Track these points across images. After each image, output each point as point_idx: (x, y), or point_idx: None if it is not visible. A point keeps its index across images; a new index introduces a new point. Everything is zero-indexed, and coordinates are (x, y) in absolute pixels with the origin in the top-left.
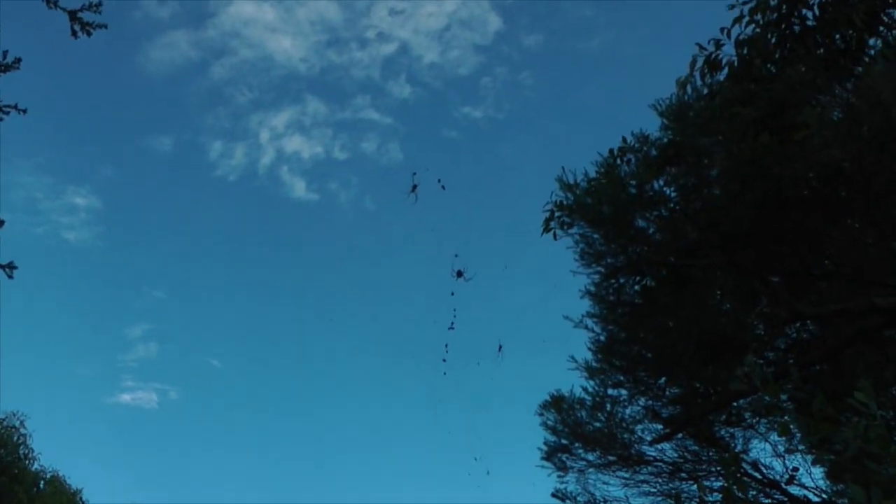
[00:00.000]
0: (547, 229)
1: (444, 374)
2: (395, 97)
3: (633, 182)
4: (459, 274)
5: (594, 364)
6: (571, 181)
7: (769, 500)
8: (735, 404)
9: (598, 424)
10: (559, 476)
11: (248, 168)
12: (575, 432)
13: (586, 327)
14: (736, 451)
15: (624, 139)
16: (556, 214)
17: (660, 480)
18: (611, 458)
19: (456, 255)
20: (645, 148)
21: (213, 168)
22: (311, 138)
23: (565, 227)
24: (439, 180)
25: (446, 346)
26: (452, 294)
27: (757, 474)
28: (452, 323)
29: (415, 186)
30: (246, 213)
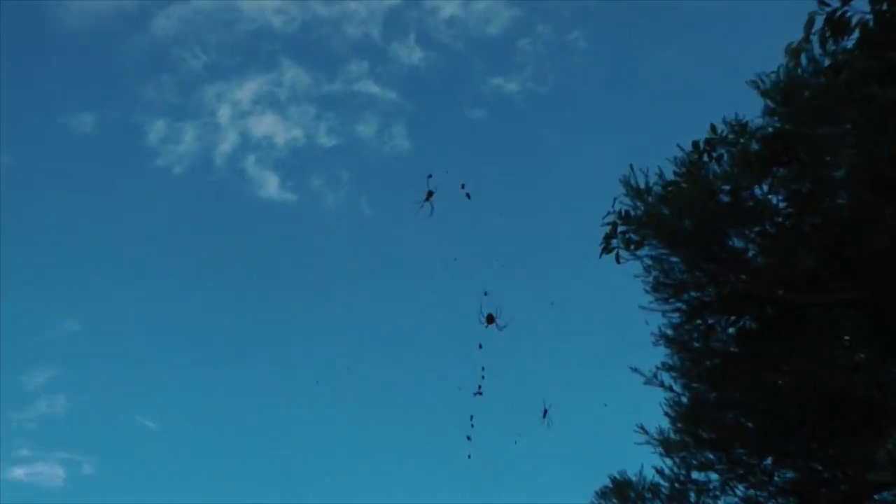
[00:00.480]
0: (608, 249)
1: (469, 456)
2: (401, 64)
3: (727, 187)
4: (490, 319)
5: (672, 436)
6: (641, 184)
7: None
8: (876, 497)
9: None
10: None
11: (200, 157)
12: None
13: (662, 384)
14: None
15: (713, 127)
16: (621, 229)
17: None
18: None
19: (485, 294)
20: (742, 140)
21: (153, 156)
22: (288, 118)
23: (633, 247)
24: (463, 186)
25: (471, 417)
26: (480, 347)
27: None
28: (480, 386)
29: (430, 194)
30: (196, 217)
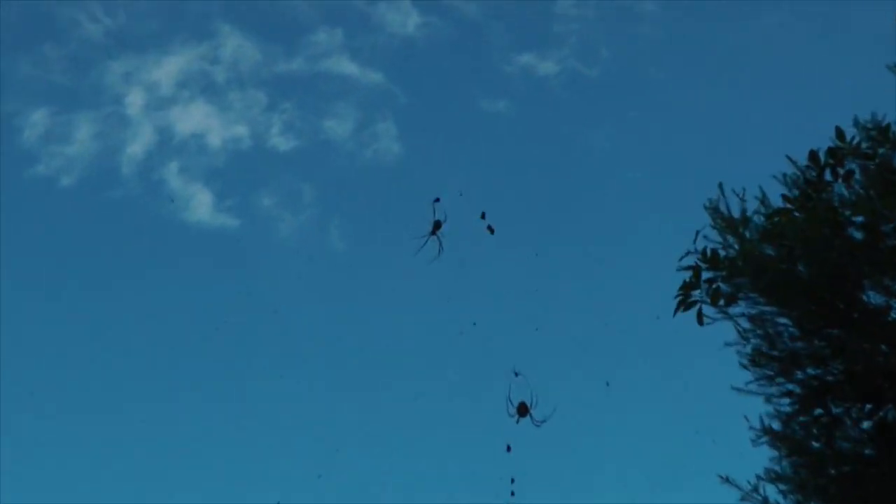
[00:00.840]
0: (686, 304)
1: None
2: (390, 34)
3: (860, 218)
4: (523, 411)
5: None
6: (735, 212)
7: None
8: None
9: None
10: None
11: (99, 163)
12: None
13: (766, 502)
14: None
15: (840, 132)
16: (706, 276)
17: None
18: None
19: (516, 375)
20: (883, 150)
21: (30, 160)
22: (227, 109)
23: (723, 303)
24: (483, 215)
25: None
26: (509, 450)
27: None
28: None
29: (437, 225)
30: (92, 249)
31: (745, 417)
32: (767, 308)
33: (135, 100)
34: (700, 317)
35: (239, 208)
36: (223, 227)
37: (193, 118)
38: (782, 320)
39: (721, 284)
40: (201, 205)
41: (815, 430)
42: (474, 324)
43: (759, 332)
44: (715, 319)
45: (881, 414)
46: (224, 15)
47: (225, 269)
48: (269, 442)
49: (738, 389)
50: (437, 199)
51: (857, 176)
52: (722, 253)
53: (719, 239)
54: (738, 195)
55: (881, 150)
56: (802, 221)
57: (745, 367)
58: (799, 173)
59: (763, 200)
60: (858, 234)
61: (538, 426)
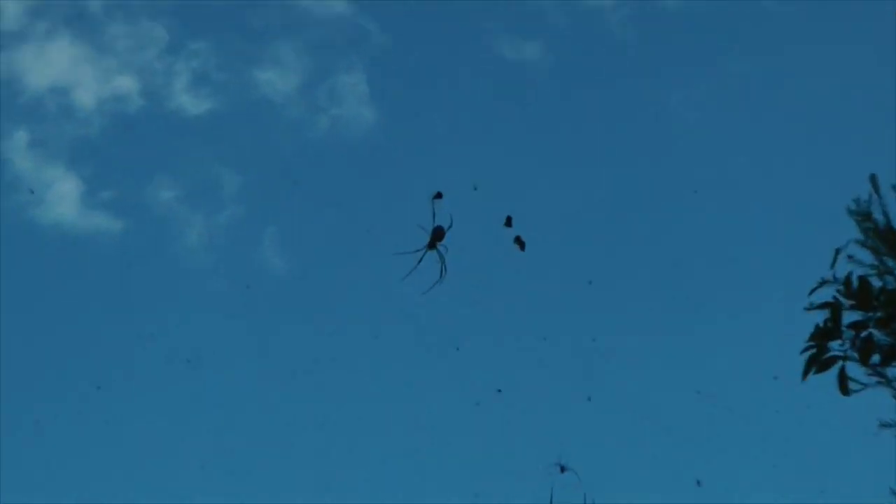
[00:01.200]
0: (819, 363)
1: None
2: None
3: None
4: None
5: None
6: None
7: None
8: None
9: None
10: None
11: None
12: None
13: None
14: None
15: None
16: (851, 320)
17: None
18: None
19: (562, 470)
20: None
21: None
22: (106, 51)
23: (877, 360)
24: (509, 220)
25: None
26: None
27: None
28: None
29: (438, 234)
30: None
31: None
32: None
33: None
34: (844, 381)
35: (123, 203)
36: (98, 230)
37: (53, 65)
38: None
39: (875, 331)
40: (64, 197)
41: None
42: (499, 390)
43: None
44: (866, 385)
45: None
46: None
47: (103, 295)
48: None
49: None
50: (439, 195)
51: None
52: (876, 283)
53: (872, 261)
54: None
55: None
56: None
57: None
58: None
59: None
60: None
61: None
